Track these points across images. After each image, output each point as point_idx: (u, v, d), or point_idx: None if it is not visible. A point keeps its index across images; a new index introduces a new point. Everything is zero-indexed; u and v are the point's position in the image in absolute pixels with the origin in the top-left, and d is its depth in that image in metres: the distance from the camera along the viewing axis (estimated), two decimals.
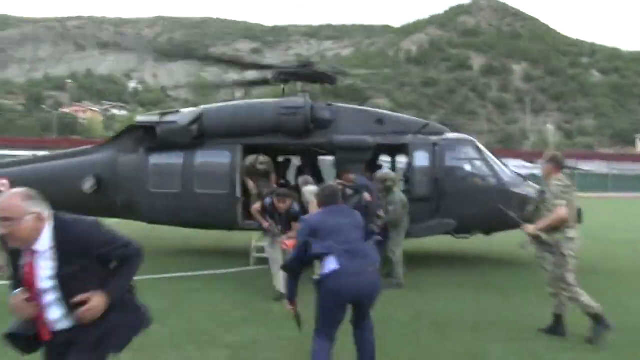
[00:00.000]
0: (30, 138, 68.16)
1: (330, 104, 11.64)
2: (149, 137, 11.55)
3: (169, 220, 11.67)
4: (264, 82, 13.32)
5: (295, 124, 10.99)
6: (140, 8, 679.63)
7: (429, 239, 11.67)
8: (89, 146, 13.37)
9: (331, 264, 4.56)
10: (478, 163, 10.94)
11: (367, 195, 9.37)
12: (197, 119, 11.37)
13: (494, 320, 7.11)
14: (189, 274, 9.93)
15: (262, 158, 11.62)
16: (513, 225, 10.54)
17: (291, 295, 5.01)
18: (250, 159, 11.52)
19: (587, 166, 64.92)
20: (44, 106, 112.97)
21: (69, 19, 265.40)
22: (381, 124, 11.23)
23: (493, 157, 11.38)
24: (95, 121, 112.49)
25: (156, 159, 11.48)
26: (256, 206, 8.72)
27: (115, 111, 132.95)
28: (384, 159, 14.30)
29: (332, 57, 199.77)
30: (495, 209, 10.20)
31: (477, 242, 12.53)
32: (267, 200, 8.40)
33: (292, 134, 11.14)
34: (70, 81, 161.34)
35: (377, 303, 4.90)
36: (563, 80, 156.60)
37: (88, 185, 11.60)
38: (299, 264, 4.85)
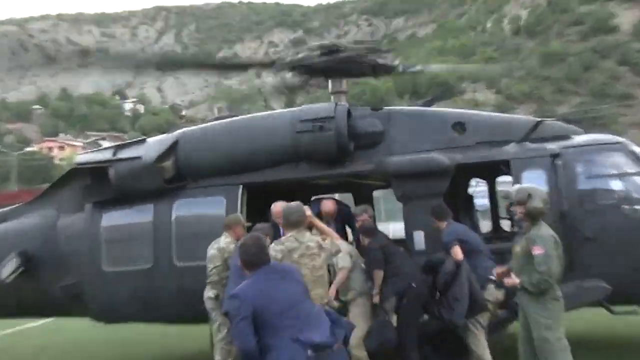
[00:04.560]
0: None
1: (377, 109, 10.94)
2: (99, 185, 10.97)
3: (135, 315, 11.09)
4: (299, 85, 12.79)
5: (323, 144, 10.17)
6: None
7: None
8: (14, 206, 12.89)
9: None
10: (637, 181, 9.75)
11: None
12: (171, 150, 10.83)
13: None
14: None
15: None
16: None
17: None
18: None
19: None
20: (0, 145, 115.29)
21: (31, 19, 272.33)
22: (462, 130, 10.41)
23: None
24: None
25: (112, 219, 11.00)
26: None
27: (106, 144, 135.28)
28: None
29: (406, 40, 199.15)
30: None
31: None
32: None
33: (321, 161, 10.45)
34: (38, 107, 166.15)
35: None
36: None
37: (8, 269, 11.10)
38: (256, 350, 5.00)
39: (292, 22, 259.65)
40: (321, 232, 8.21)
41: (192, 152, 10.77)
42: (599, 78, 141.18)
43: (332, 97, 11.33)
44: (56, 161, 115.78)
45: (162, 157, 10.68)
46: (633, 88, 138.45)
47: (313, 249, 7.29)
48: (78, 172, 11.51)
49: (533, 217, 7.66)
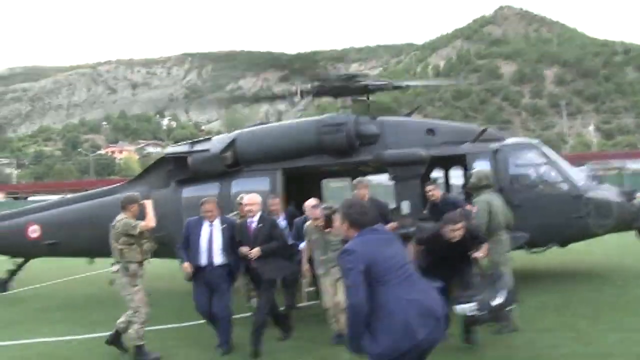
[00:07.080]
0: (68, 181, 68.88)
1: (374, 117, 10.91)
2: (181, 169, 11.09)
3: None
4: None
5: (339, 141, 10.32)
6: (167, 47, 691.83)
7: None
8: (117, 184, 12.86)
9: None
10: (545, 168, 10.04)
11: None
12: (231, 144, 10.94)
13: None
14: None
15: None
16: (592, 234, 9.84)
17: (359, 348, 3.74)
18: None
19: (635, 165, 61.80)
20: (80, 149, 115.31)
21: (100, 64, 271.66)
22: (433, 134, 10.50)
23: (562, 160, 10.60)
24: (132, 160, 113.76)
25: (189, 192, 10.92)
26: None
27: (150, 149, 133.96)
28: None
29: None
30: (571, 218, 9.51)
31: (551, 256, 11.33)
32: None
33: (337, 153, 10.50)
34: (105, 123, 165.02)
35: None
36: (597, 81, 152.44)
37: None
38: (366, 305, 3.67)
39: (280, 65, 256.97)
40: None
41: (245, 146, 10.86)
42: (490, 109, 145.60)
43: (340, 110, 11.33)
44: (117, 160, 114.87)
45: (224, 149, 10.83)
46: (512, 116, 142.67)
47: None
48: (165, 160, 11.60)
49: (473, 188, 7.81)
